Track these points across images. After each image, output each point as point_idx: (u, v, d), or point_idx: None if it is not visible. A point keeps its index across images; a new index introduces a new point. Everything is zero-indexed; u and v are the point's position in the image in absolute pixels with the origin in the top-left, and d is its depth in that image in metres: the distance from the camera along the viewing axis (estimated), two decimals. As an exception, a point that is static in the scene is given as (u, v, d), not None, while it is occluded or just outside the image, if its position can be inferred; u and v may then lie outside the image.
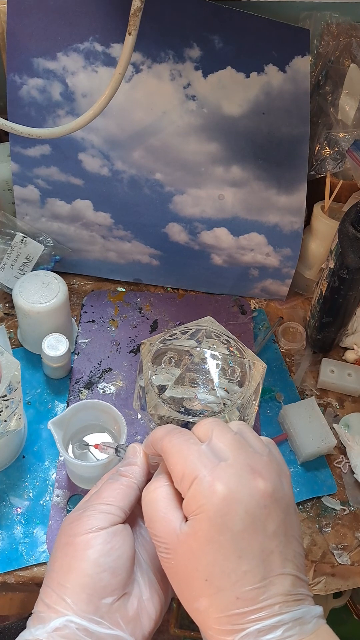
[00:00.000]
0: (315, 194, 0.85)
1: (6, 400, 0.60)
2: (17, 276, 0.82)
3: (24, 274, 0.82)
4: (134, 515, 0.45)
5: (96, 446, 0.57)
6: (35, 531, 0.66)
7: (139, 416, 0.75)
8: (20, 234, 0.81)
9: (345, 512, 0.70)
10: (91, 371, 0.80)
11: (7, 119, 0.68)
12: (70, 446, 0.68)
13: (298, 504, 0.70)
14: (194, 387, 0.53)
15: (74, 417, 0.66)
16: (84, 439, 0.69)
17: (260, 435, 0.42)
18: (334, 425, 0.76)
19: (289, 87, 0.77)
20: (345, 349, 0.85)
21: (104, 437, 0.69)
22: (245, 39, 0.75)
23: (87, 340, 0.83)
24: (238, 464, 0.37)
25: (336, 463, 0.74)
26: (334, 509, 0.70)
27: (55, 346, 0.74)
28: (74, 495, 0.68)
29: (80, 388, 0.78)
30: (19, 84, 0.78)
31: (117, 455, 0.52)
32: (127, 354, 0.82)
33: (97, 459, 0.67)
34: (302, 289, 0.92)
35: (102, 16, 0.74)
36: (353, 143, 0.77)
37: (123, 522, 0.42)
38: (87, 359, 0.81)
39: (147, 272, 0.90)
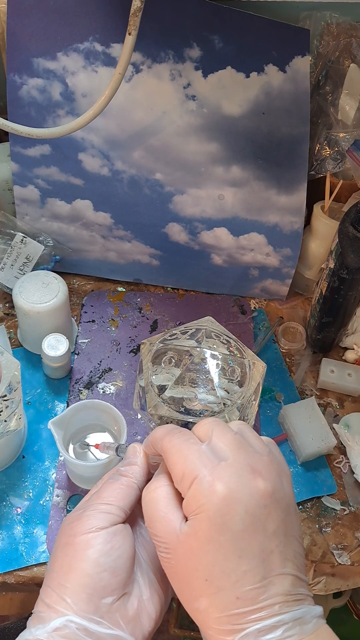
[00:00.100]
0: (315, 194, 0.85)
1: (6, 400, 0.60)
2: (17, 276, 0.82)
3: (24, 274, 0.82)
4: (134, 515, 0.45)
5: (96, 446, 0.57)
6: (35, 531, 0.66)
7: (139, 416, 0.75)
8: (20, 234, 0.81)
9: (345, 512, 0.70)
10: (91, 371, 0.80)
11: (7, 119, 0.68)
12: (71, 446, 0.68)
13: (298, 504, 0.70)
14: (194, 387, 0.53)
15: (74, 417, 0.66)
16: (85, 439, 0.69)
17: (260, 435, 0.42)
18: (334, 425, 0.76)
19: (289, 87, 0.77)
20: (345, 349, 0.85)
21: (104, 437, 0.69)
22: (245, 39, 0.75)
23: (87, 340, 0.83)
24: (238, 463, 0.37)
25: (336, 463, 0.74)
26: (334, 509, 0.70)
27: (55, 346, 0.74)
28: (74, 495, 0.68)
29: (80, 388, 0.78)
30: (19, 84, 0.78)
31: (118, 455, 0.52)
32: (127, 354, 0.82)
33: (98, 459, 0.67)
34: (302, 289, 0.92)
35: (102, 16, 0.74)
36: (353, 143, 0.77)
37: (123, 522, 0.42)
38: (87, 359, 0.81)
39: (147, 272, 0.90)
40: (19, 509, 0.67)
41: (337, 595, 1.07)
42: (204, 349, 0.54)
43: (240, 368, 0.55)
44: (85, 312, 0.86)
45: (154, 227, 0.86)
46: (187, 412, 0.51)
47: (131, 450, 0.46)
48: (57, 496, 0.68)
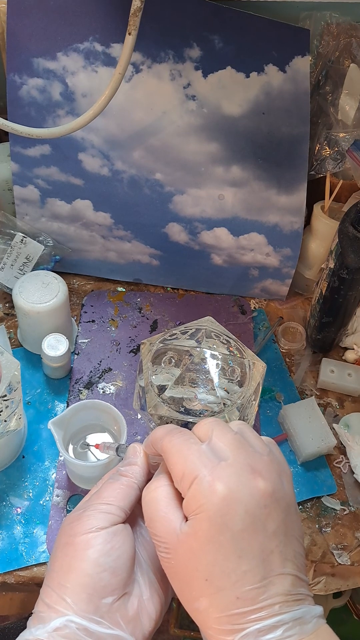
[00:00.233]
0: (315, 194, 0.85)
1: (6, 400, 0.60)
2: (17, 276, 0.82)
3: (24, 274, 0.82)
4: (134, 515, 0.45)
5: (97, 446, 0.57)
6: (35, 531, 0.66)
7: (139, 416, 0.75)
8: (20, 234, 0.81)
9: (345, 512, 0.70)
10: (91, 371, 0.80)
11: (7, 119, 0.68)
12: (71, 446, 0.68)
13: (298, 503, 0.70)
14: (194, 387, 0.53)
15: (74, 417, 0.66)
16: (85, 439, 0.69)
17: (260, 435, 0.42)
18: (334, 425, 0.76)
19: (289, 87, 0.77)
20: (345, 349, 0.85)
21: (104, 437, 0.69)
22: (245, 39, 0.75)
23: (87, 340, 0.83)
24: (238, 463, 0.37)
25: (336, 463, 0.74)
26: (334, 509, 0.70)
27: (55, 346, 0.74)
28: (74, 495, 0.68)
29: (80, 388, 0.78)
30: (19, 84, 0.78)
31: (118, 455, 0.52)
32: (127, 354, 0.82)
33: (98, 459, 0.67)
34: (302, 289, 0.92)
35: (102, 16, 0.74)
36: (353, 143, 0.77)
37: (123, 522, 0.42)
38: (87, 359, 0.81)
39: (147, 272, 0.90)
40: (19, 509, 0.67)
41: (337, 595, 1.07)
42: (204, 349, 0.54)
43: (240, 368, 0.55)
44: (85, 312, 0.86)
45: (154, 227, 0.86)
46: (187, 412, 0.51)
47: (131, 450, 0.46)
48: (57, 496, 0.68)
